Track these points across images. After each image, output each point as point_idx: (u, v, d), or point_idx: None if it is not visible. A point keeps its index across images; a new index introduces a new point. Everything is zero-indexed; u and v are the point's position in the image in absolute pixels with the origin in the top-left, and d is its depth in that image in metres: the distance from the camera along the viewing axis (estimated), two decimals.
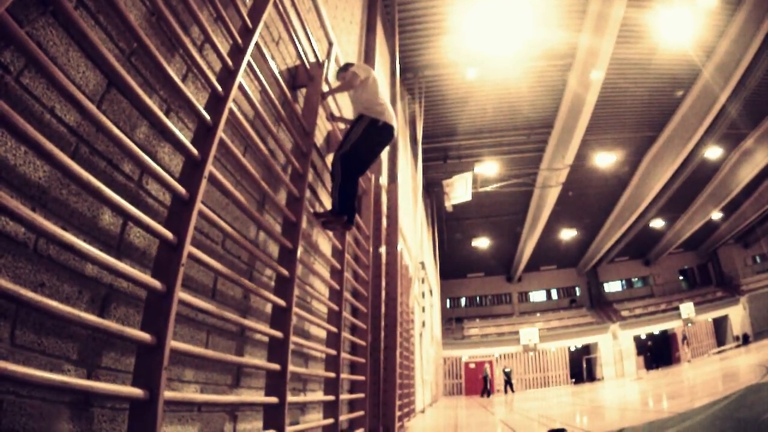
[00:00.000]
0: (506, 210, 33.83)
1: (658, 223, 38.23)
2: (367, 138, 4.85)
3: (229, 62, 3.11)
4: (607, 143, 25.42)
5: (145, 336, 2.16)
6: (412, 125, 19.89)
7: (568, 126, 22.05)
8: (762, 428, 3.83)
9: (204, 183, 2.62)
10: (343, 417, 5.64)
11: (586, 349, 40.41)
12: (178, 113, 2.92)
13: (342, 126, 6.05)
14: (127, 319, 2.39)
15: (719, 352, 30.49)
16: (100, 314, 2.22)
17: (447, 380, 37.40)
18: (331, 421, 4.93)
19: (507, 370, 32.36)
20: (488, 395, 29.94)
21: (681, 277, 47.54)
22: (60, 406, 1.98)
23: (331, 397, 5.04)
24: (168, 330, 2.23)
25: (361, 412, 6.37)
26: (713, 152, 26.32)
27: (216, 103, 2.93)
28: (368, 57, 9.59)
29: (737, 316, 33.65)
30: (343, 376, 5.64)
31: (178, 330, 2.78)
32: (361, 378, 6.56)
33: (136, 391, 2.08)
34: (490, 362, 36.50)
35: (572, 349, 39.50)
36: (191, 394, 2.88)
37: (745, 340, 31.30)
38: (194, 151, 2.62)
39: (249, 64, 3.42)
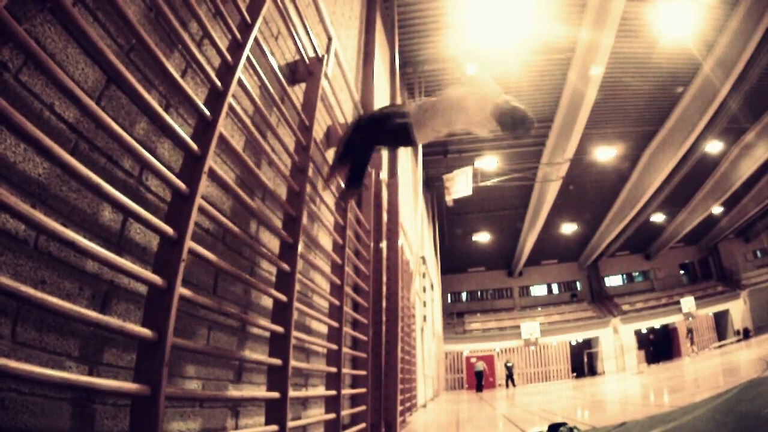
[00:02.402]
0: (507, 204, 33.85)
1: (658, 218, 38.32)
2: (391, 130, 4.57)
3: (228, 57, 3.11)
4: (607, 137, 25.43)
5: (146, 332, 2.17)
6: None
7: (568, 120, 22.06)
8: (763, 422, 3.84)
9: (204, 178, 2.61)
10: (345, 412, 5.65)
11: (587, 344, 40.54)
12: (178, 109, 2.92)
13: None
14: (128, 315, 2.40)
15: (720, 346, 30.51)
16: (101, 311, 2.22)
17: (448, 375, 37.47)
18: (333, 416, 4.94)
19: (509, 364, 32.36)
20: (480, 390, 29.82)
21: (682, 272, 47.65)
22: (62, 403, 1.99)
23: (332, 392, 5.05)
24: (169, 326, 2.24)
25: (363, 407, 6.38)
26: (714, 146, 26.34)
27: (215, 98, 2.93)
28: (368, 52, 9.57)
29: (738, 310, 33.73)
30: (345, 371, 5.65)
31: (179, 326, 2.78)
32: (363, 373, 6.57)
33: (138, 387, 2.08)
34: (486, 357, 36.62)
35: (573, 343, 39.63)
36: (193, 389, 2.89)
37: (746, 334, 31.38)
38: (194, 146, 2.62)
39: (248, 60, 3.42)
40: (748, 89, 21.03)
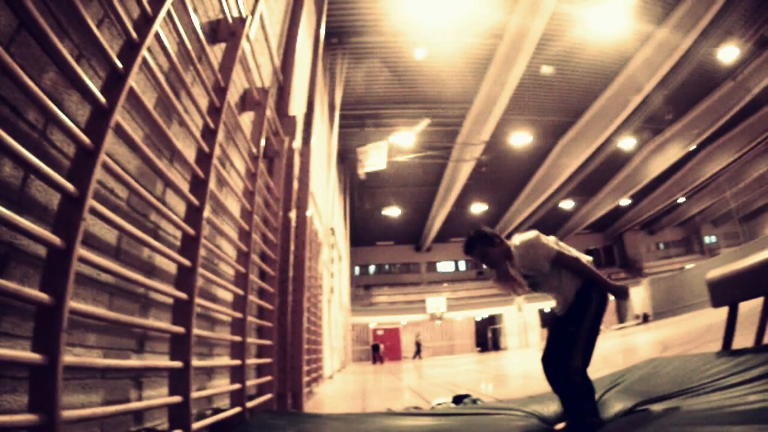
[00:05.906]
0: (420, 181, 34.20)
1: (568, 204, 39.86)
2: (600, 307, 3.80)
3: (148, 9, 2.95)
4: (525, 124, 26.03)
5: (44, 296, 2.03)
6: (330, 90, 19.74)
7: (488, 104, 22.49)
8: (655, 398, 3.97)
9: (110, 133, 2.46)
10: (251, 382, 5.57)
11: (492, 320, 41.94)
12: (90, 60, 2.74)
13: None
14: (26, 279, 2.25)
15: (620, 328, 32.02)
16: None
17: (355, 346, 37.88)
18: (238, 386, 4.85)
19: (419, 338, 34.21)
20: (381, 362, 31.56)
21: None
22: None
23: (237, 362, 4.95)
24: (67, 290, 2.10)
25: (269, 377, 6.30)
26: (627, 143, 27.98)
27: (129, 50, 2.77)
28: (294, 17, 9.36)
29: (638, 296, 35.24)
30: (250, 340, 5.55)
31: (80, 292, 2.64)
32: (269, 343, 6.48)
33: (34, 357, 1.96)
34: (391, 330, 38.19)
35: (478, 319, 41.01)
36: (93, 359, 2.76)
37: (645, 318, 33.12)
38: (102, 99, 2.46)
39: (168, 13, 3.26)
40: (669, 93, 22.12)
